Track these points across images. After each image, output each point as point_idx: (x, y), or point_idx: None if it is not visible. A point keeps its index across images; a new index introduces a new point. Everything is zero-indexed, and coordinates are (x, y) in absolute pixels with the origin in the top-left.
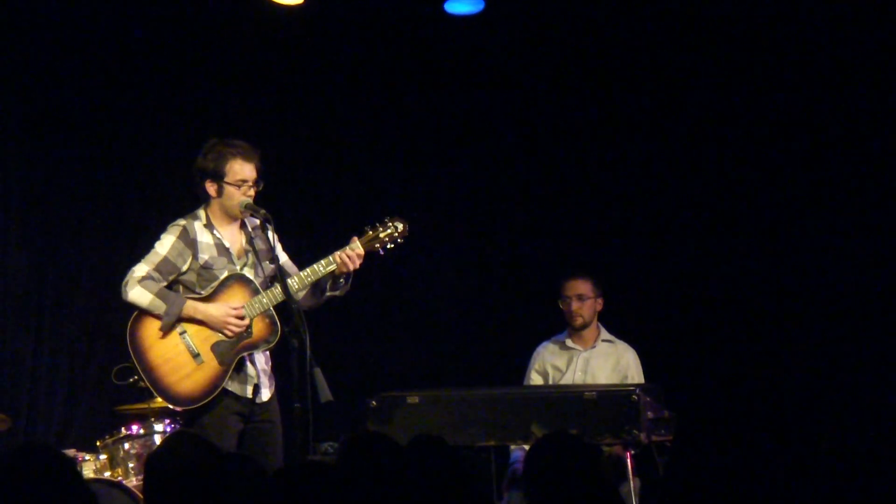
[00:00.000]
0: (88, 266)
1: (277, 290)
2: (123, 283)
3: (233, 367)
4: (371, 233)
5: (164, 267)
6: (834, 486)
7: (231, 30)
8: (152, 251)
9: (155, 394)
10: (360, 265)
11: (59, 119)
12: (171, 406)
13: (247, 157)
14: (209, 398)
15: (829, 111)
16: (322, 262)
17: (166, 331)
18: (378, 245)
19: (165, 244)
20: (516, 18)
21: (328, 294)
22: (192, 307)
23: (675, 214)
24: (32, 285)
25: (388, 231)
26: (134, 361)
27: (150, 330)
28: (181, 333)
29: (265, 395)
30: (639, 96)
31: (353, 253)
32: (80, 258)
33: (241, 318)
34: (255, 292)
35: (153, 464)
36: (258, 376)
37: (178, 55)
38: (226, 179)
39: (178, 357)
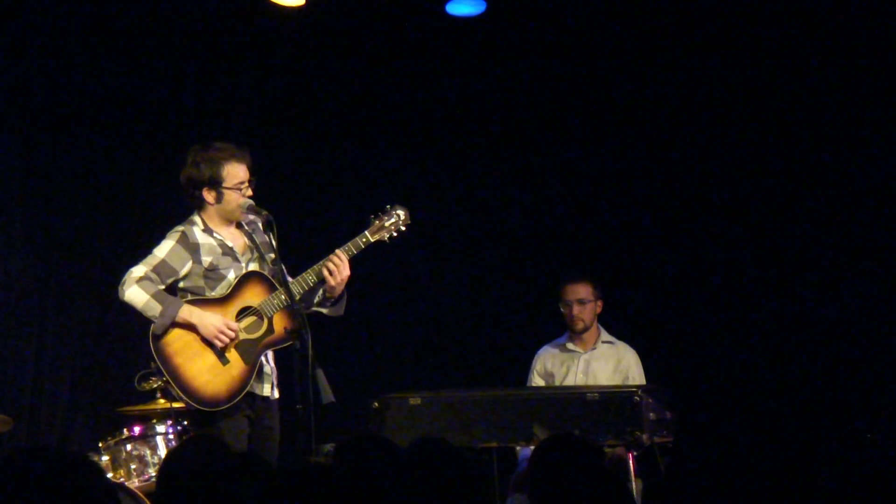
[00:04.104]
0: (91, 268)
1: (295, 285)
2: (121, 282)
3: (257, 365)
4: (377, 222)
5: (163, 269)
6: (835, 485)
7: (232, 31)
8: (151, 254)
9: (183, 397)
10: (350, 277)
11: (60, 120)
12: (200, 408)
13: (238, 159)
14: (238, 398)
15: (827, 110)
16: (310, 270)
17: (162, 333)
18: (385, 234)
19: (164, 248)
20: (518, 20)
21: (315, 308)
22: (189, 311)
23: (677, 216)
24: (35, 286)
25: (393, 220)
26: (160, 365)
27: (174, 333)
28: (203, 337)
29: (276, 392)
30: (639, 98)
31: (338, 261)
32: (83, 260)
33: (233, 333)
34: (273, 288)
35: (170, 464)
36: (272, 373)
37: (181, 58)
38: (224, 185)
39: (205, 359)
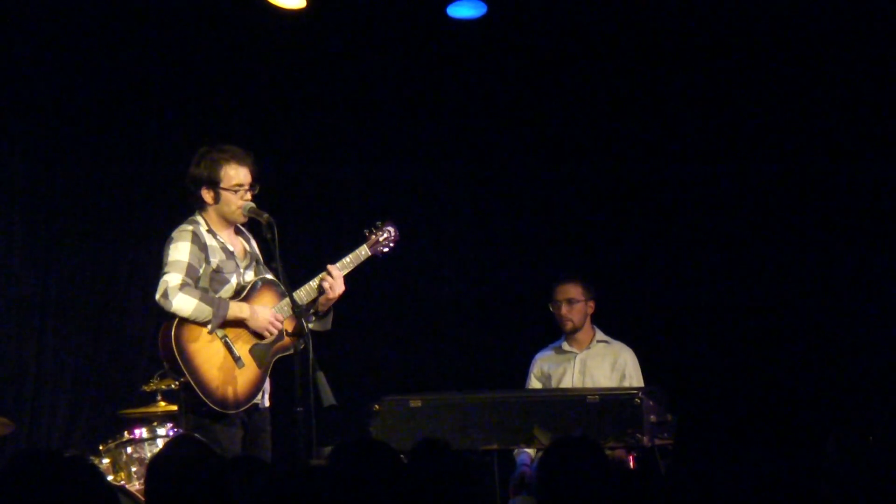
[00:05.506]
0: (92, 269)
1: (302, 292)
2: (160, 294)
3: (269, 369)
4: (373, 237)
5: (191, 273)
6: (836, 487)
7: (234, 35)
8: (174, 260)
9: (201, 396)
10: (345, 291)
11: (62, 121)
12: (217, 409)
13: (240, 162)
14: (252, 401)
15: (825, 111)
16: (311, 282)
17: (212, 334)
18: (380, 248)
19: (184, 250)
20: (518, 22)
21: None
22: (238, 307)
23: (676, 216)
24: (36, 288)
25: (385, 236)
26: (181, 364)
27: (193, 335)
28: (222, 338)
29: (266, 401)
30: (639, 99)
31: (336, 274)
32: (84, 261)
33: (280, 322)
34: (283, 295)
35: (155, 467)
36: (266, 382)
37: (181, 60)
38: (221, 185)
39: (222, 361)
